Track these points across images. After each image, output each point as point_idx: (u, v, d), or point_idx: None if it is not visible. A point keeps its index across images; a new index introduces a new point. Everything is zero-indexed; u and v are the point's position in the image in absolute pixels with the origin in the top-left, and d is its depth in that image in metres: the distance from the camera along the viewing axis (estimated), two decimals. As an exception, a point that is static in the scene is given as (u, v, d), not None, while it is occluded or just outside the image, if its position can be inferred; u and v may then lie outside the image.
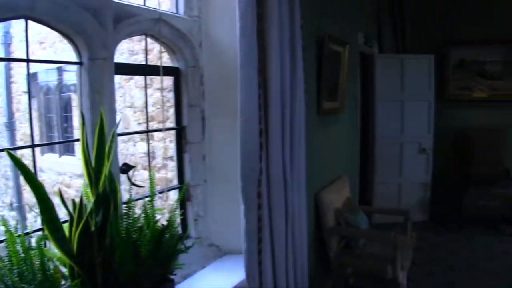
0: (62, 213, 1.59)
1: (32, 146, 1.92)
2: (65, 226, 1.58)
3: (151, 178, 2.00)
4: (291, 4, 2.54)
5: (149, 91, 2.53)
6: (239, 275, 2.42)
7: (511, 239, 5.70)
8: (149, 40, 2.43)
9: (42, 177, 6.84)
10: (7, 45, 7.17)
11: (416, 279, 4.46)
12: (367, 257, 3.69)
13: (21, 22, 1.78)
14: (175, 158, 2.71)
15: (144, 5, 2.33)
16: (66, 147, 7.16)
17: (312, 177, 3.33)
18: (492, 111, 6.62)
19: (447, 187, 6.56)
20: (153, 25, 2.32)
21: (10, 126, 7.31)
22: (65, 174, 6.88)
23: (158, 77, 2.43)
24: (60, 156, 7.32)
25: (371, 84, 5.96)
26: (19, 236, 1.53)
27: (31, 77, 6.60)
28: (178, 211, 2.03)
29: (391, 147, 6.07)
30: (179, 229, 2.25)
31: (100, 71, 1.99)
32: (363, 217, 3.90)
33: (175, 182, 2.73)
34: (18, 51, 6.99)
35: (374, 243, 3.86)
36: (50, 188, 6.37)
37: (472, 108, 6.68)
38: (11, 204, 7.25)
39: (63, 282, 1.64)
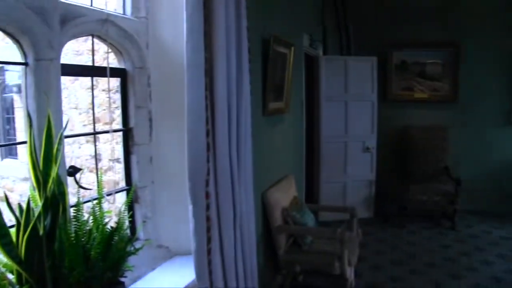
0: (6, 218, 1.56)
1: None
2: (12, 231, 1.55)
3: (99, 181, 1.99)
4: (238, 6, 2.57)
5: (94, 92, 2.49)
6: (189, 275, 2.43)
7: (450, 233, 6.03)
8: (95, 40, 2.40)
9: (-17, 181, 6.58)
10: None
11: (363, 273, 4.65)
12: (315, 254, 3.78)
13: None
14: (122, 160, 2.69)
15: (91, 6, 2.30)
16: (9, 150, 6.90)
17: (259, 176, 3.38)
18: (433, 111, 6.98)
19: (390, 184, 6.85)
20: (100, 26, 2.30)
21: None
22: (7, 178, 6.63)
23: (104, 78, 2.41)
24: (2, 159, 7.05)
25: (316, 85, 6.11)
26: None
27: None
28: (126, 213, 2.02)
29: (336, 146, 6.24)
30: (128, 231, 2.24)
31: (46, 72, 1.95)
32: (309, 215, 3.99)
33: (123, 184, 2.71)
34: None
35: (321, 240, 3.95)
36: (-8, 192, 6.14)
37: (414, 108, 7.00)
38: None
39: (10, 289, 1.61)
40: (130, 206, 2.57)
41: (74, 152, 5.44)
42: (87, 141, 5.30)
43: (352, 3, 6.72)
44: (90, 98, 2.72)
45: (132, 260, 2.04)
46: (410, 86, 6.95)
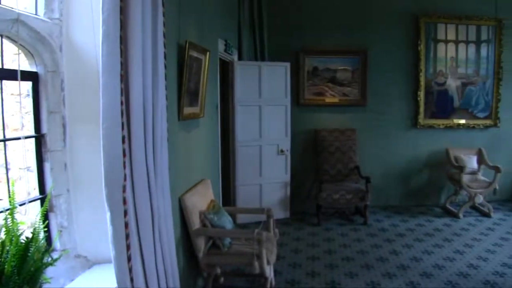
0: None
1: None
2: None
3: (10, 190, 1.91)
4: (154, 11, 2.57)
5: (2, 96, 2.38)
6: (110, 284, 2.40)
7: (362, 227, 6.41)
8: (4, 41, 2.30)
9: None
10: None
11: (282, 271, 4.82)
12: (234, 255, 3.83)
13: None
14: (34, 167, 2.59)
15: (0, 4, 2.21)
16: None
17: (176, 181, 3.39)
18: (343, 114, 7.35)
19: (305, 184, 7.14)
20: (10, 26, 2.21)
21: None
22: None
23: (13, 82, 2.31)
24: None
25: (231, 89, 6.19)
26: None
27: None
28: (41, 223, 1.96)
29: (251, 150, 6.36)
30: (44, 242, 2.16)
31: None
32: (227, 217, 4.04)
33: (36, 193, 2.61)
34: None
35: (240, 242, 4.01)
36: None
37: (325, 112, 7.33)
38: None
39: None
40: (45, 215, 2.49)
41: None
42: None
43: (267, 10, 6.89)
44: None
45: (49, 272, 1.99)
46: (322, 91, 7.25)
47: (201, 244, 3.76)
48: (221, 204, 5.41)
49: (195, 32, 4.09)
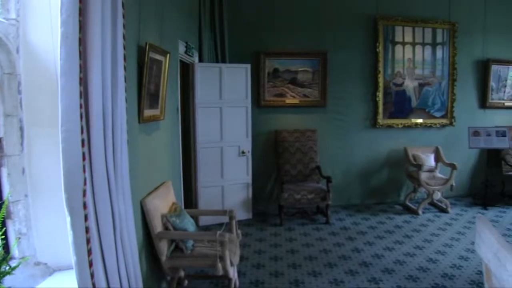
0: None
1: None
2: None
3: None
4: (114, 13, 2.54)
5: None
6: (72, 291, 2.35)
7: (324, 227, 6.49)
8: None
9: None
10: None
11: (246, 272, 4.83)
12: (197, 258, 3.81)
13: None
14: (-10, 173, 2.52)
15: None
16: None
17: (137, 184, 3.36)
18: (304, 115, 7.43)
19: (267, 185, 7.19)
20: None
21: None
22: None
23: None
24: None
25: (192, 91, 6.16)
26: None
27: None
28: (-2, 230, 1.91)
29: (212, 151, 6.35)
30: (1, 249, 2.10)
31: None
32: (189, 220, 4.03)
33: (-8, 200, 2.54)
34: None
35: (203, 244, 4.00)
36: None
37: (286, 113, 7.39)
38: None
39: None
40: (2, 222, 2.43)
41: None
42: None
43: (228, 12, 6.88)
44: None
45: (7, 281, 1.93)
46: (282, 92, 7.31)
47: (163, 247, 3.73)
48: (183, 207, 5.39)
49: (155, 34, 4.06)
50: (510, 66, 8.51)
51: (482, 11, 8.17)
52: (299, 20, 7.30)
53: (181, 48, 5.39)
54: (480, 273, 3.55)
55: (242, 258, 5.14)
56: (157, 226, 3.66)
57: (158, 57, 3.90)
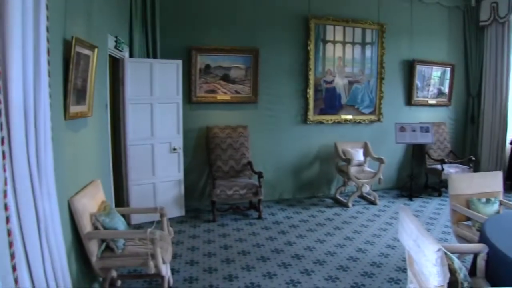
0: None
1: None
2: None
3: None
4: (36, 4, 2.42)
5: None
6: (-7, 297, 2.23)
7: (257, 222, 6.57)
8: None
9: None
10: None
11: (180, 269, 4.80)
12: (129, 257, 3.73)
13: None
14: None
15: None
16: None
17: (63, 183, 3.24)
18: (235, 111, 7.45)
19: (199, 181, 7.17)
20: None
21: None
22: None
23: None
24: None
25: (122, 87, 6.01)
26: None
27: None
28: None
29: (143, 149, 6.22)
30: None
31: None
32: (120, 218, 3.93)
33: None
34: None
35: (134, 242, 3.93)
36: None
37: (218, 109, 7.37)
38: None
39: None
40: None
41: None
42: None
43: (161, 6, 6.74)
44: None
45: None
46: (214, 89, 7.28)
47: (93, 248, 3.62)
48: (113, 205, 5.26)
49: (83, 27, 3.92)
50: (433, 67, 9.02)
51: (409, 14, 8.62)
52: (232, 16, 7.30)
53: (111, 43, 5.23)
54: (405, 260, 3.77)
55: (175, 255, 5.10)
56: (86, 226, 3.55)
57: (85, 51, 3.77)
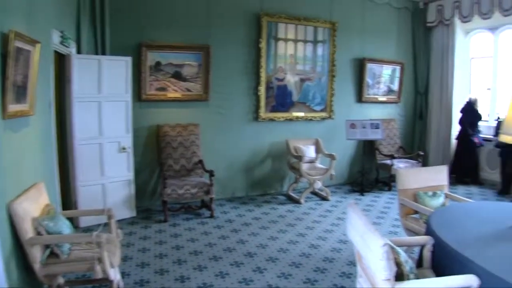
0: None
1: None
2: None
3: None
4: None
5: None
6: None
7: (209, 220, 6.52)
8: None
9: None
10: None
11: (130, 272, 4.67)
12: (75, 262, 3.59)
13: None
14: None
15: None
16: None
17: (2, 186, 3.10)
18: (186, 109, 7.35)
19: (150, 181, 7.03)
20: None
21: None
22: None
23: None
24: None
25: (68, 85, 5.80)
26: None
27: None
28: None
29: (91, 148, 6.01)
30: None
31: None
32: (64, 222, 3.77)
33: None
34: None
35: (81, 247, 3.79)
36: None
37: (168, 107, 7.23)
38: None
39: None
40: None
41: None
42: None
43: (110, 1, 6.52)
44: None
45: None
46: (164, 86, 7.12)
47: (36, 254, 3.45)
48: (60, 209, 5.07)
49: (23, 20, 3.72)
50: (384, 65, 9.23)
51: (360, 13, 8.81)
52: (184, 13, 7.16)
53: (56, 38, 5.03)
54: (355, 254, 3.87)
55: (125, 258, 4.97)
56: (28, 231, 3.38)
57: (26, 46, 3.60)
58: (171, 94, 7.18)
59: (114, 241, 3.96)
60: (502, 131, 3.27)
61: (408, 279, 2.73)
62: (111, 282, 3.71)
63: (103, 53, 6.46)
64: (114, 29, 6.61)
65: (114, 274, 3.76)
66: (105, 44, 6.50)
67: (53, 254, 3.59)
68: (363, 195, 8.18)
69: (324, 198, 7.82)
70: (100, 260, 3.51)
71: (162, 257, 5.11)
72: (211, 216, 6.64)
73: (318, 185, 7.67)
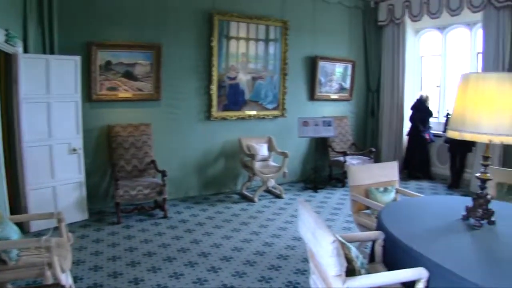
0: None
1: None
2: None
3: None
4: None
5: None
6: None
7: (163, 221, 6.49)
8: None
9: None
10: None
11: (83, 276, 4.59)
12: (24, 268, 3.52)
13: None
14: None
15: None
16: None
17: None
18: (138, 109, 7.27)
19: (102, 183, 6.93)
20: None
21: None
22: None
23: None
24: None
25: (15, 85, 5.63)
26: None
27: None
28: None
29: (40, 150, 5.88)
30: None
31: None
32: (12, 227, 3.68)
33: None
34: None
35: (30, 252, 3.71)
36: None
37: (119, 107, 7.13)
38: None
39: None
40: None
41: None
42: None
43: (59, 1, 6.37)
44: None
45: None
46: (115, 86, 7.00)
47: (-19, 262, 3.37)
48: (8, 213, 4.95)
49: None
50: (336, 63, 9.45)
51: (312, 12, 8.95)
52: (134, 11, 7.06)
53: (1, 37, 4.89)
54: (309, 251, 3.95)
55: (78, 261, 4.89)
56: (-28, 240, 3.30)
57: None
58: (122, 94, 7.09)
59: (65, 245, 3.90)
60: (449, 127, 3.41)
61: (360, 274, 2.78)
62: (62, 287, 3.66)
63: (52, 52, 6.29)
64: (62, 27, 6.44)
65: (66, 279, 3.71)
66: (54, 43, 6.32)
67: (0, 261, 3.51)
68: (316, 192, 8.33)
69: (277, 196, 7.92)
70: (50, 265, 3.45)
71: (115, 259, 5.05)
72: (165, 217, 6.61)
73: (272, 183, 7.76)
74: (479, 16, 7.97)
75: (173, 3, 7.38)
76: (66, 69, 6.10)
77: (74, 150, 6.20)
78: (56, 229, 4.16)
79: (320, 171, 8.82)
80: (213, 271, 4.74)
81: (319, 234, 2.74)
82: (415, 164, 9.47)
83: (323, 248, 2.66)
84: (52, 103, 5.95)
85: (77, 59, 6.23)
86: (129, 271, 4.74)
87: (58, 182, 6.09)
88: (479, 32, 8.49)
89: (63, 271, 3.60)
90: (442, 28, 9.46)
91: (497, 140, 3.10)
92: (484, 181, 3.39)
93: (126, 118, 7.15)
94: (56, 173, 6.07)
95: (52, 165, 6.02)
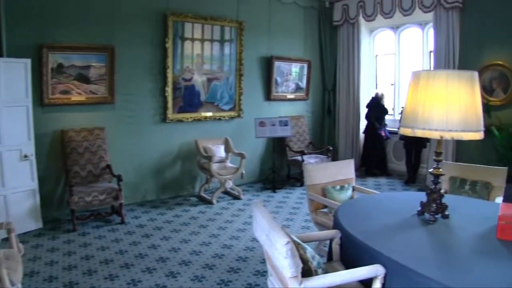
0: None
1: None
2: None
3: None
4: None
5: None
6: None
7: (120, 227, 6.37)
8: None
9: None
10: None
11: (37, 287, 4.43)
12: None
13: None
14: None
15: None
16: None
17: None
18: (92, 113, 7.11)
19: (56, 190, 6.74)
20: None
21: None
22: None
23: None
24: None
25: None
26: None
27: None
28: None
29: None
30: None
31: None
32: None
33: None
34: None
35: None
36: None
37: (72, 111, 6.93)
38: None
39: None
40: None
41: None
42: None
43: (7, 1, 6.14)
44: None
45: None
46: (68, 89, 6.81)
47: None
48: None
49: None
50: (292, 63, 9.53)
51: (267, 12, 9.01)
52: (86, 12, 6.87)
53: None
54: (268, 253, 3.96)
55: (31, 273, 4.73)
56: None
57: None
58: (75, 98, 6.90)
59: (15, 256, 3.76)
60: (402, 124, 3.49)
61: (316, 274, 2.80)
62: (13, 301, 3.53)
63: (0, 55, 6.06)
64: (11, 29, 6.21)
65: (17, 292, 3.58)
66: (2, 45, 6.08)
67: None
68: (275, 192, 8.37)
69: (236, 197, 7.92)
70: (-1, 278, 3.32)
71: (71, 269, 4.91)
72: (122, 222, 6.49)
73: (230, 184, 7.75)
74: (430, 16, 8.22)
75: (126, 4, 7.25)
76: (16, 73, 5.90)
77: (26, 156, 5.99)
78: (6, 240, 4.01)
79: (278, 171, 8.88)
80: (171, 276, 4.69)
81: (273, 236, 2.74)
82: (372, 161, 9.67)
83: (277, 250, 2.66)
84: (2, 108, 5.73)
85: (27, 62, 6.03)
86: (86, 280, 4.62)
87: (9, 190, 5.86)
88: (430, 31, 8.80)
89: (12, 284, 3.47)
90: (395, 28, 9.72)
91: (448, 136, 3.18)
92: (437, 176, 3.48)
93: (79, 122, 6.97)
94: (7, 181, 5.84)
95: (2, 173, 5.79)
